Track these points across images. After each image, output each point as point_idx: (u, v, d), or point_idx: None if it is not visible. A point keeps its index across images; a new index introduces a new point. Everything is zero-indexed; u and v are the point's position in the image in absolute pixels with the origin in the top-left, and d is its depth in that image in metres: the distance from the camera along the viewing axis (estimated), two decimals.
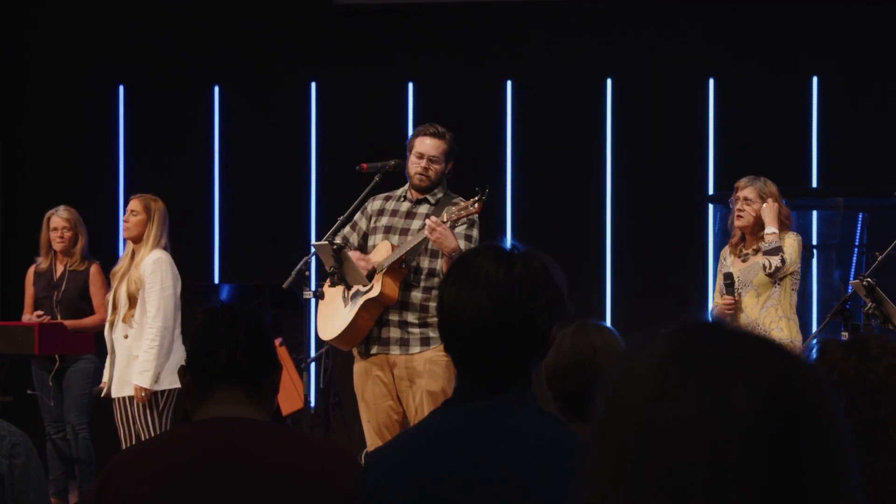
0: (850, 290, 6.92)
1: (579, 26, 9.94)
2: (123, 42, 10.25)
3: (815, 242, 9.35)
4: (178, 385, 6.93)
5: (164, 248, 7.28)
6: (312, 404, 8.82)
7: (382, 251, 6.44)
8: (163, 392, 7.12)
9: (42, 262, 8.32)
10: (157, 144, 10.31)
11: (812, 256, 9.21)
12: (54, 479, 8.19)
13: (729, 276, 6.74)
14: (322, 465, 2.81)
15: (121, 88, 10.40)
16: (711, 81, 9.87)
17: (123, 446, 6.80)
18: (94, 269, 8.23)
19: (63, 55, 10.34)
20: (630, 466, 1.18)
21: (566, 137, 9.96)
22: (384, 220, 6.55)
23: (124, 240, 7.47)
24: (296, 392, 7.41)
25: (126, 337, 7.17)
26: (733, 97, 9.80)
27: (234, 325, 2.86)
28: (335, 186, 9.75)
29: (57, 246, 8.22)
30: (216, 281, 10.17)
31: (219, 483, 2.76)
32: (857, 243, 9.27)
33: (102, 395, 7.32)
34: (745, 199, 6.77)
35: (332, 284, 6.42)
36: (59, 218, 8.22)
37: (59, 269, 8.26)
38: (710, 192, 9.78)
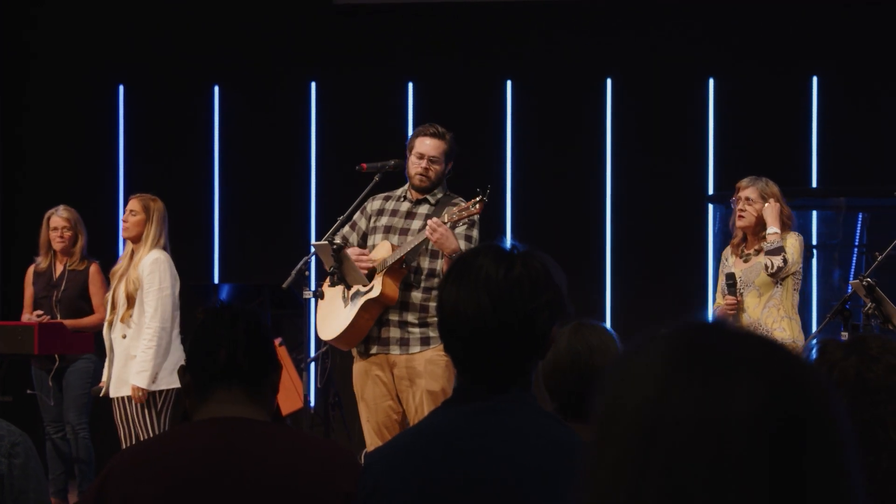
0: (849, 290, 6.92)
1: (579, 26, 9.94)
2: (123, 42, 10.25)
3: (815, 242, 9.35)
4: (175, 385, 6.93)
5: (164, 249, 7.28)
6: (312, 404, 8.81)
7: (382, 251, 6.43)
8: (160, 392, 7.11)
9: (42, 262, 8.31)
10: (157, 144, 10.31)
11: (812, 256, 9.21)
12: (54, 478, 8.19)
13: (731, 277, 6.74)
14: (322, 464, 2.81)
15: (121, 88, 10.40)
16: (711, 81, 9.87)
17: (123, 446, 6.79)
18: (93, 269, 8.23)
19: (63, 55, 10.33)
20: (631, 467, 1.17)
21: (566, 137, 9.96)
22: (384, 220, 6.54)
23: (124, 240, 7.47)
24: (295, 392, 7.40)
25: (124, 337, 7.17)
26: (733, 97, 9.80)
27: (234, 325, 2.86)
28: (335, 186, 9.74)
29: (57, 246, 8.22)
30: (216, 281, 10.16)
31: (219, 483, 2.76)
32: (856, 243, 9.27)
33: (101, 394, 7.32)
34: (747, 199, 6.77)
35: (332, 284, 6.41)
36: (58, 218, 8.22)
37: (59, 268, 8.25)
38: (710, 192, 9.78)
